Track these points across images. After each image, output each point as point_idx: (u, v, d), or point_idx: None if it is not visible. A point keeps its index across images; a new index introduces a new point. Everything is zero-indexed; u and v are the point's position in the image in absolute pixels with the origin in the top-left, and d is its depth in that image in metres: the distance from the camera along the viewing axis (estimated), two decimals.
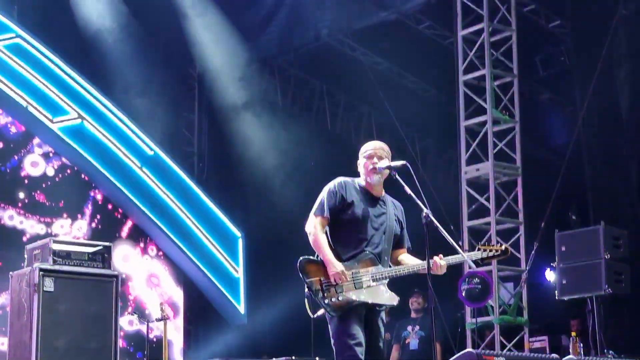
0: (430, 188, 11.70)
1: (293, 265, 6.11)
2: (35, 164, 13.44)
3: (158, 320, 9.78)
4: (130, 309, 13.70)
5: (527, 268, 11.85)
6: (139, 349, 13.18)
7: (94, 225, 14.01)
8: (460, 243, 12.05)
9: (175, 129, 15.33)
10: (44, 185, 13.51)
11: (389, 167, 6.17)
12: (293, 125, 15.31)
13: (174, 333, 14.42)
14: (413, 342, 11.09)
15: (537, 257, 12.09)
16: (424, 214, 5.81)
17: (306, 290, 5.99)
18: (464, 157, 12.79)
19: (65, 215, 13.68)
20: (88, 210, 13.96)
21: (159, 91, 14.47)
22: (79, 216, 13.88)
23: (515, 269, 12.27)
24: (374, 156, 6.24)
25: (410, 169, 6.01)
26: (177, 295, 14.79)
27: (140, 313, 11.71)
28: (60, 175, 13.72)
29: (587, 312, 9.88)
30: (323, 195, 6.23)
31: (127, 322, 13.65)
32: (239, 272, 15.02)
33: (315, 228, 6.10)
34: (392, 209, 6.34)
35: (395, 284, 6.14)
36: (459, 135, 12.81)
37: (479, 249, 6.18)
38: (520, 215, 12.44)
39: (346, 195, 6.19)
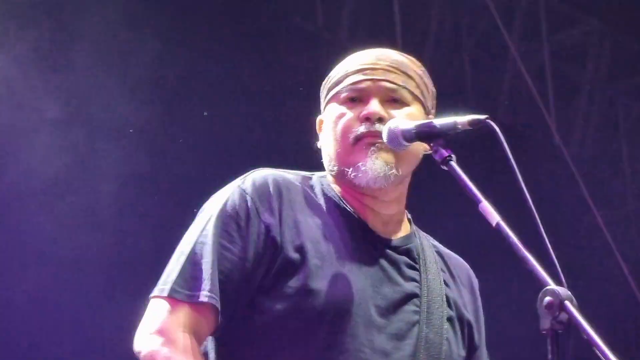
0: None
1: None
2: None
3: None
4: None
5: None
6: None
7: None
8: None
9: None
10: None
11: (429, 131, 2.48)
12: None
13: None
14: None
15: None
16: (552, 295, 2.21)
17: None
18: None
19: None
20: None
21: None
22: None
23: None
24: (367, 94, 2.63)
25: (501, 136, 2.41)
26: None
27: None
28: None
29: None
30: (200, 232, 2.52)
31: None
32: None
33: (162, 343, 2.41)
34: (440, 278, 2.69)
35: None
36: None
37: None
38: None
39: (281, 228, 2.52)
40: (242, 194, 2.53)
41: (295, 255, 2.48)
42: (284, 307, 2.46)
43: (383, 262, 2.60)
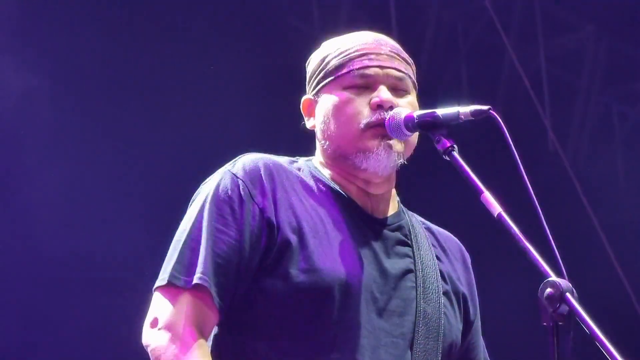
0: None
1: None
2: None
3: None
4: None
5: None
6: None
7: None
8: None
9: None
10: None
11: (432, 121, 2.50)
12: None
13: None
14: None
15: None
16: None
17: None
18: None
19: None
20: None
21: None
22: None
23: None
24: (374, 80, 2.62)
25: (503, 127, 2.44)
26: None
27: None
28: None
29: None
30: (194, 219, 2.52)
31: None
32: None
33: (169, 339, 2.42)
34: (432, 253, 2.70)
35: None
36: None
37: None
38: None
39: (275, 210, 2.52)
40: (234, 178, 2.54)
41: (293, 236, 2.50)
42: (287, 288, 2.47)
43: (377, 240, 2.61)
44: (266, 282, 2.49)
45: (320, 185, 2.62)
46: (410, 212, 2.77)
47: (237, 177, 2.54)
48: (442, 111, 2.56)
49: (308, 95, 2.72)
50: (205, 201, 2.53)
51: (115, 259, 6.07)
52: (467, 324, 2.74)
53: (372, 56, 2.64)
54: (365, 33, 2.73)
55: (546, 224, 2.45)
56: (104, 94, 6.34)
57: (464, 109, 2.53)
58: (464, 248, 2.85)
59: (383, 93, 2.61)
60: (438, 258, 2.71)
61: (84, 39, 6.26)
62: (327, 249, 2.50)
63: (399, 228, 2.67)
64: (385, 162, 2.59)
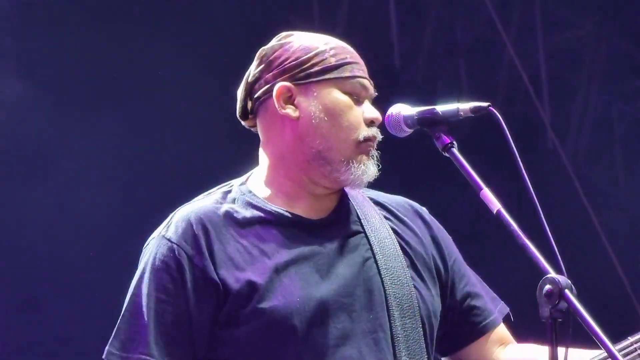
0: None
1: None
2: None
3: None
4: None
5: None
6: None
7: None
8: None
9: None
10: None
11: (432, 117, 2.51)
12: None
13: None
14: None
15: None
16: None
17: None
18: None
19: None
20: None
21: None
22: None
23: None
24: (364, 94, 2.62)
25: (503, 124, 2.44)
26: None
27: None
28: None
29: None
30: (134, 293, 2.53)
31: None
32: None
33: None
34: (387, 229, 2.66)
35: None
36: None
37: None
38: None
39: (215, 267, 2.49)
40: (169, 244, 2.52)
41: (237, 287, 2.47)
42: (246, 335, 2.48)
43: (326, 244, 2.58)
44: (224, 334, 2.48)
45: (258, 214, 2.57)
46: (355, 192, 2.71)
47: (172, 242, 2.51)
48: (441, 108, 2.57)
49: (285, 83, 2.61)
50: (144, 273, 2.52)
51: (109, 267, 6.04)
52: (443, 282, 2.72)
53: (363, 68, 2.65)
54: (344, 43, 2.69)
55: (545, 221, 2.46)
56: (95, 100, 6.32)
57: (464, 106, 2.54)
58: (416, 204, 2.80)
59: (375, 111, 2.63)
60: (394, 231, 2.67)
61: (77, 46, 6.24)
62: (276, 284, 2.48)
63: (347, 218, 2.63)
64: (367, 177, 2.59)
